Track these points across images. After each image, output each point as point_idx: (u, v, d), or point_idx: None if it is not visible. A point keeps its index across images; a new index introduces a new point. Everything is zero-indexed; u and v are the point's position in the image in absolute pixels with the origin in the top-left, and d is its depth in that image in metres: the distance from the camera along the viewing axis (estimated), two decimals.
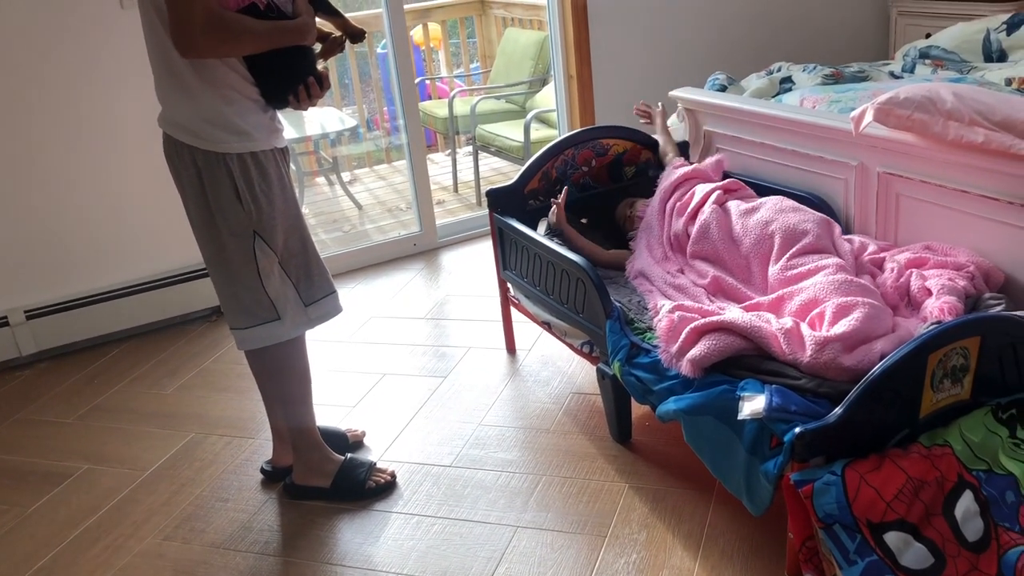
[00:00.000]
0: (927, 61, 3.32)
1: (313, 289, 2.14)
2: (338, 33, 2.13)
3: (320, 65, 2.05)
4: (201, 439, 2.63)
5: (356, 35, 2.14)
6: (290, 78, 1.97)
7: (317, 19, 2.02)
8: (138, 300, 3.29)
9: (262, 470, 2.42)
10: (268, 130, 1.99)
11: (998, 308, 1.90)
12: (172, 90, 1.92)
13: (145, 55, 1.93)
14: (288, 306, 2.08)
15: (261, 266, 2.01)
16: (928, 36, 3.64)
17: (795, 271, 2.12)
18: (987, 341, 1.73)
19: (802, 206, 2.34)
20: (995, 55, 3.34)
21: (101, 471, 2.51)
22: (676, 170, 2.64)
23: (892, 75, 3.21)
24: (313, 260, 2.14)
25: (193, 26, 1.74)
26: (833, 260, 2.11)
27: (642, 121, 3.01)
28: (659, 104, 3.00)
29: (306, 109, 2.05)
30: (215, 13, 1.76)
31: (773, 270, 2.18)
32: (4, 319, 3.11)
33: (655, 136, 2.94)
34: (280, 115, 2.07)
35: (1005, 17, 3.39)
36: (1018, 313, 1.80)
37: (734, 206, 2.39)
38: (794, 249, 2.17)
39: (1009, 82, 2.85)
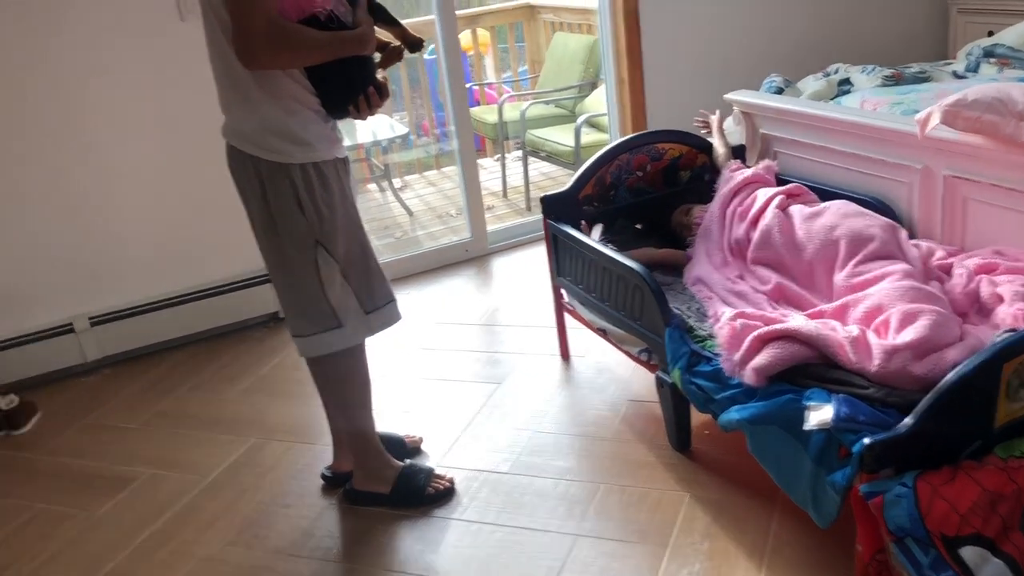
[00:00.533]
0: (992, 60, 3.23)
1: (374, 297, 2.15)
2: (397, 42, 2.14)
3: (380, 75, 2.06)
4: (262, 444, 2.66)
5: (415, 44, 2.15)
6: (350, 88, 1.98)
7: (376, 28, 2.03)
8: (198, 306, 3.35)
9: (323, 475, 2.44)
10: (329, 140, 2.01)
11: None
12: (235, 101, 1.95)
13: (206, 65, 1.96)
14: (349, 314, 2.09)
15: (323, 275, 2.03)
16: (991, 34, 3.55)
17: (861, 278, 2.08)
18: None
19: (867, 211, 2.29)
20: None
21: (164, 476, 2.56)
22: (735, 174, 2.60)
23: (955, 75, 3.13)
24: (373, 268, 2.15)
25: (255, 37, 1.77)
26: (900, 266, 2.06)
27: (703, 132, 2.98)
28: (716, 112, 2.97)
29: (366, 119, 2.07)
30: (277, 24, 1.78)
31: (839, 277, 2.13)
32: (70, 326, 3.18)
33: (710, 139, 2.92)
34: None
35: None
36: None
37: (797, 211, 2.35)
38: (860, 255, 2.13)
39: None
